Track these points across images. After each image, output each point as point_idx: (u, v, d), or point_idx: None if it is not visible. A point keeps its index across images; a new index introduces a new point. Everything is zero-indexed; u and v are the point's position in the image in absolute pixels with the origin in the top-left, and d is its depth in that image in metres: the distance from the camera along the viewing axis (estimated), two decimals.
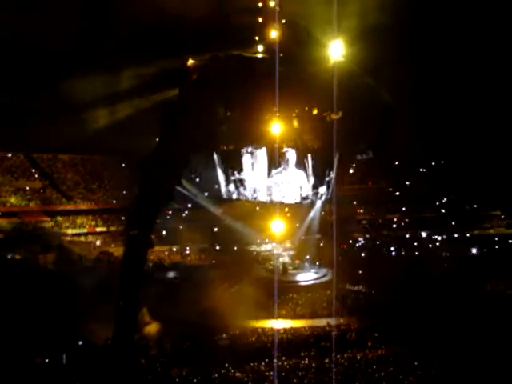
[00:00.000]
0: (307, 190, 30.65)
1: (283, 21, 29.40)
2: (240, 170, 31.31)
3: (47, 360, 23.33)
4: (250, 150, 31.06)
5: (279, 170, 29.74)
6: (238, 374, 22.75)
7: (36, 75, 28.44)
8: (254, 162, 30.24)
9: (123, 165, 42.94)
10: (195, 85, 29.96)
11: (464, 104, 32.17)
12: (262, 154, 30.64)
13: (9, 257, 35.92)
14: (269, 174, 30.67)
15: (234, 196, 32.57)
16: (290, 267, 41.57)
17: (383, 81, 29.50)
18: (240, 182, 31.87)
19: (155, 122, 31.14)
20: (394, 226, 45.74)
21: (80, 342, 25.16)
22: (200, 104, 29.72)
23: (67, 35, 27.64)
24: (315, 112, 30.26)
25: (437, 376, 21.64)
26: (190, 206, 46.10)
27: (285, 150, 30.14)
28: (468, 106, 32.15)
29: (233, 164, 31.74)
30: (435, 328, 26.57)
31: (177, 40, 28.59)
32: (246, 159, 31.07)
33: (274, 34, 29.17)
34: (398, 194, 44.27)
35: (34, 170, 44.20)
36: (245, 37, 29.27)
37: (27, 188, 43.51)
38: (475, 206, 40.78)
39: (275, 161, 30.14)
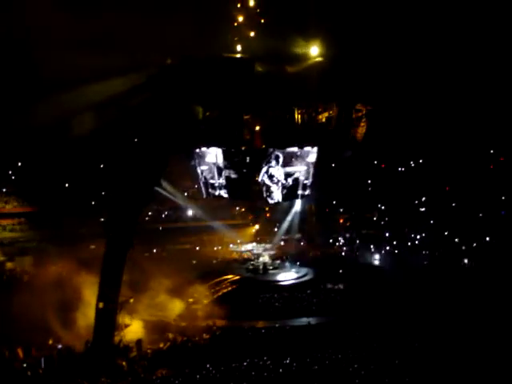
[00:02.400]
0: (288, 190, 30.69)
1: (262, 20, 29.37)
2: (220, 169, 31.21)
3: (25, 365, 23.11)
4: (229, 149, 30.96)
5: (260, 169, 29.70)
6: (219, 375, 22.68)
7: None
8: (234, 162, 30.16)
9: (102, 166, 42.54)
10: (173, 85, 29.81)
11: (443, 102, 32.39)
12: (241, 153, 30.58)
13: None
14: (249, 173, 30.62)
15: (214, 195, 32.45)
16: (271, 267, 41.59)
17: (364, 79, 29.58)
18: (220, 182, 31.78)
19: (133, 123, 30.95)
20: (374, 224, 45.99)
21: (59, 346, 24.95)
22: (178, 104, 29.61)
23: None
24: (296, 111, 30.32)
25: (418, 374, 21.76)
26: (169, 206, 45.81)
27: (265, 149, 30.11)
28: (447, 104, 32.38)
29: (213, 164, 31.63)
30: (416, 325, 26.83)
31: (154, 41, 28.36)
32: (226, 159, 30.98)
33: (253, 33, 29.13)
34: (376, 193, 44.40)
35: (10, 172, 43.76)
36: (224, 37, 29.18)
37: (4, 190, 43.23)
38: (454, 204, 41.11)
39: (256, 160, 30.10)
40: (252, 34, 29.15)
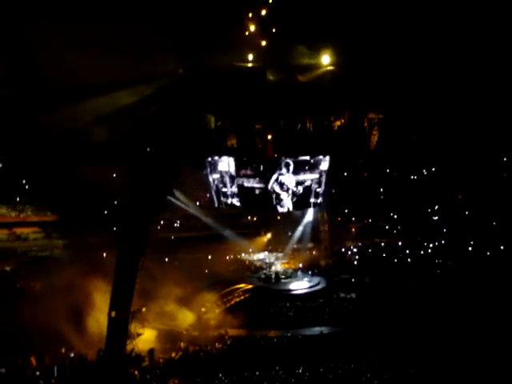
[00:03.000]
0: (299, 198, 30.67)
1: (273, 30, 29.46)
2: (232, 178, 31.26)
3: (38, 373, 23.16)
4: (241, 158, 31.03)
5: (272, 178, 29.72)
6: None
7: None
8: (246, 171, 30.22)
9: (114, 175, 42.72)
10: (185, 95, 29.95)
11: (456, 110, 32.23)
12: (254, 162, 30.63)
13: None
14: (261, 182, 30.65)
15: (227, 204, 32.50)
16: (283, 276, 41.48)
17: (376, 88, 29.55)
18: (232, 191, 31.83)
19: (145, 133, 31.10)
20: (386, 233, 45.80)
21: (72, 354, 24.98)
22: (190, 114, 29.74)
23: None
24: (307, 120, 30.36)
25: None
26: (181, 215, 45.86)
27: (277, 158, 30.14)
28: (460, 112, 32.21)
29: (225, 172, 31.69)
30: (429, 334, 26.61)
31: (166, 50, 28.50)
32: (238, 168, 31.03)
33: (264, 42, 29.22)
34: (389, 201, 44.22)
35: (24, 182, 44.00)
36: (235, 45, 29.27)
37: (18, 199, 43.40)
38: (467, 212, 40.85)
39: (268, 169, 30.13)
40: (263, 43, 29.23)
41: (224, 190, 31.77)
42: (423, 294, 33.20)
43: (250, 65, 29.72)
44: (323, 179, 30.86)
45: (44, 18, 24.83)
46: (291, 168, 29.67)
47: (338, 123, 31.07)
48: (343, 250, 46.07)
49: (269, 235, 48.31)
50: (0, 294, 31.04)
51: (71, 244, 40.13)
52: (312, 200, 31.11)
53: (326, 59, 29.07)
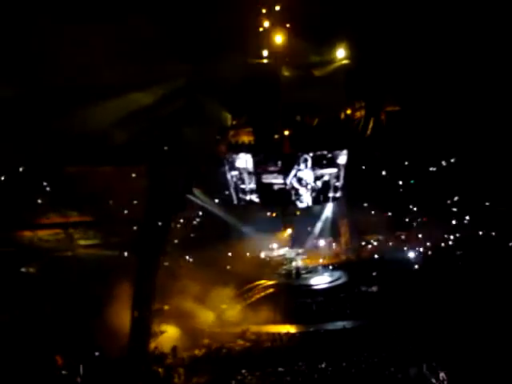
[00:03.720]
0: (318, 193, 30.63)
1: (288, 25, 29.44)
2: (250, 175, 31.30)
3: (64, 372, 23.44)
4: (259, 155, 31.07)
5: (290, 174, 29.71)
6: (255, 380, 22.71)
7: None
8: (264, 167, 30.26)
9: (133, 175, 42.98)
10: (201, 93, 30.07)
11: (472, 102, 31.93)
12: (272, 158, 30.64)
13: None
14: (280, 178, 30.65)
15: (245, 201, 32.57)
16: (303, 271, 41.44)
17: (392, 80, 29.42)
18: (250, 187, 31.87)
19: (163, 133, 31.27)
20: (406, 225, 45.48)
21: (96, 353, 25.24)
22: (206, 113, 29.84)
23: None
24: (325, 114, 30.33)
25: (455, 375, 21.43)
26: (200, 213, 45.92)
27: (295, 153, 30.14)
28: (477, 103, 31.90)
29: (243, 169, 31.74)
30: (452, 326, 26.41)
31: (180, 48, 28.61)
32: (257, 164, 31.07)
33: (279, 38, 29.21)
34: (408, 194, 43.90)
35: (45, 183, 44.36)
36: (250, 41, 29.31)
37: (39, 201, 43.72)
38: (487, 204, 40.40)
39: (286, 165, 30.14)
40: (278, 38, 29.24)
41: (242, 186, 31.83)
42: (444, 286, 32.91)
43: (264, 61, 29.76)
44: (341, 173, 30.77)
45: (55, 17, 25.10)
46: (309, 163, 29.62)
47: (355, 117, 31.00)
48: (363, 243, 45.80)
49: (289, 231, 48.18)
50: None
51: (92, 245, 40.44)
52: (331, 194, 31.06)
53: (340, 53, 29.04)
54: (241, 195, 32.43)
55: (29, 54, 26.23)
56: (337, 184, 30.90)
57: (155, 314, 27.31)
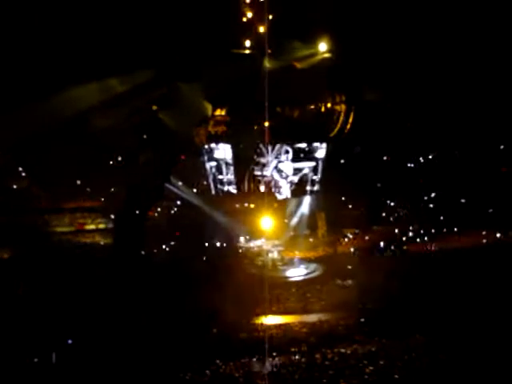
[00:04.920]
0: (297, 185, 30.69)
1: (270, 17, 29.34)
2: (228, 165, 31.24)
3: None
4: (238, 145, 30.99)
5: (270, 166, 29.72)
6: (228, 370, 22.73)
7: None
8: (243, 158, 30.22)
9: (111, 162, 42.65)
10: (181, 83, 29.88)
11: (451, 99, 32.21)
12: (250, 149, 30.58)
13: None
14: (258, 169, 30.61)
15: (223, 191, 32.51)
16: (280, 263, 41.56)
17: (372, 75, 29.52)
18: (228, 178, 31.81)
19: (143, 121, 31.01)
20: (383, 220, 45.84)
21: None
22: (186, 102, 29.66)
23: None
24: (305, 107, 30.34)
25: (429, 370, 21.68)
26: (178, 202, 45.78)
27: (274, 145, 30.12)
28: (456, 100, 32.18)
29: (221, 160, 31.66)
30: (426, 321, 26.72)
31: (163, 37, 28.38)
32: (234, 155, 31.00)
33: (262, 30, 29.12)
34: (386, 189, 44.23)
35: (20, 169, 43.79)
36: (233, 33, 29.18)
37: (14, 187, 43.14)
38: (463, 200, 40.94)
39: (264, 157, 30.12)
40: (261, 29, 29.14)
41: (220, 177, 31.76)
42: (419, 279, 33.30)
43: (247, 51, 29.66)
44: (320, 167, 30.86)
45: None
46: (289, 156, 29.65)
47: (335, 110, 31.04)
48: (340, 237, 46.08)
49: (267, 222, 48.25)
50: None
51: None
52: (309, 187, 31.14)
53: (323, 46, 29.03)
54: (219, 186, 32.37)
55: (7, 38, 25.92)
56: (316, 177, 30.99)
57: None
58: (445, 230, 41.57)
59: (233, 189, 31.74)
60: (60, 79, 28.51)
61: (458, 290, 30.66)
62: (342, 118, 30.52)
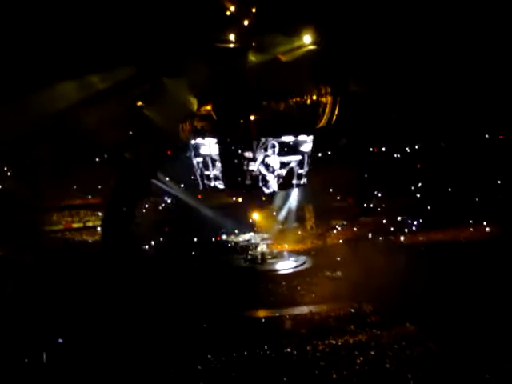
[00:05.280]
0: (284, 179, 30.68)
1: (254, 10, 29.23)
2: (214, 160, 31.17)
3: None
4: (224, 140, 30.93)
5: (255, 159, 29.65)
6: (219, 365, 22.75)
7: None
8: (228, 153, 30.13)
9: (97, 159, 42.47)
10: (165, 78, 29.79)
11: (436, 89, 32.34)
12: (236, 144, 30.54)
13: None
14: (244, 164, 30.57)
15: (210, 187, 32.44)
16: (269, 256, 41.67)
17: (357, 67, 29.54)
18: (215, 173, 31.75)
19: (129, 116, 30.85)
20: (371, 211, 46.09)
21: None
22: (171, 97, 29.54)
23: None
24: (290, 100, 30.28)
25: (419, 359, 21.82)
26: (166, 198, 45.78)
27: (260, 139, 30.07)
28: (442, 88, 32.31)
29: (207, 155, 31.59)
30: (416, 310, 26.93)
31: (146, 32, 28.23)
32: (221, 150, 30.93)
33: (245, 23, 28.98)
34: (373, 180, 44.46)
35: (5, 168, 43.51)
36: (217, 26, 29.02)
37: None
38: (449, 189, 41.23)
39: (250, 150, 30.07)
40: (245, 23, 29.01)
41: (207, 172, 31.69)
42: (408, 269, 33.53)
43: (231, 45, 29.52)
44: (307, 160, 30.85)
45: None
46: (276, 149, 29.63)
47: (320, 103, 30.98)
48: (328, 229, 46.30)
49: (255, 216, 48.36)
50: None
51: None
52: (296, 181, 31.13)
53: (307, 39, 28.96)
54: (206, 181, 32.30)
55: None
56: (303, 170, 31.00)
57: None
58: (433, 220, 41.82)
59: (219, 184, 31.66)
60: (43, 75, 28.28)
61: (447, 281, 30.96)
62: (328, 110, 30.45)
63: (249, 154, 29.66)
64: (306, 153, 30.51)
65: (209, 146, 30.40)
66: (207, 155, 30.98)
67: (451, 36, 28.84)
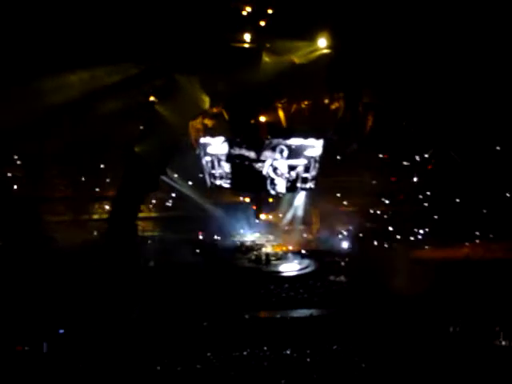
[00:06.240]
0: (292, 182, 30.70)
1: (269, 11, 29.27)
2: (223, 160, 31.24)
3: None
4: (233, 140, 30.98)
5: (263, 160, 29.71)
6: (219, 364, 22.81)
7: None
8: (239, 153, 30.20)
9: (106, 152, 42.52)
10: (178, 75, 29.84)
11: (449, 97, 32.22)
12: (247, 144, 30.57)
13: None
14: (252, 164, 30.61)
15: (218, 186, 32.50)
16: (273, 258, 41.61)
17: (372, 72, 29.51)
18: (222, 172, 31.80)
19: (139, 112, 30.93)
20: (377, 218, 45.88)
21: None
22: (184, 94, 29.61)
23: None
24: (302, 103, 30.32)
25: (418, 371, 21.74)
26: (173, 195, 45.74)
27: (269, 140, 30.11)
28: (453, 99, 32.18)
29: (216, 154, 31.65)
30: (421, 316, 26.82)
31: (162, 28, 28.31)
32: (230, 149, 30.98)
33: (261, 24, 29.04)
34: (381, 187, 44.26)
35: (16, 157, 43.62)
36: (231, 25, 29.08)
37: (9, 175, 42.97)
38: (458, 200, 40.96)
39: (259, 151, 30.12)
40: (260, 24, 29.08)
41: (213, 171, 31.77)
42: (413, 275, 33.38)
43: (246, 46, 29.58)
44: (316, 163, 30.86)
45: None
46: (285, 152, 29.66)
47: (333, 107, 31.02)
48: (334, 233, 46.12)
49: (261, 216, 48.27)
50: None
51: None
52: (304, 184, 31.14)
53: (322, 42, 28.98)
54: (213, 180, 32.37)
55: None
56: (311, 174, 31.00)
57: None
58: (440, 229, 41.58)
59: (227, 183, 31.73)
60: (55, 66, 28.41)
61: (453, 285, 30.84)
62: (339, 115, 30.55)
63: (257, 155, 29.73)
64: (316, 156, 30.52)
65: (219, 145, 30.48)
66: (215, 154, 31.07)
67: (468, 45, 28.76)
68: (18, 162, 41.05)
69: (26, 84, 28.26)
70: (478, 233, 40.06)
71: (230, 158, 31.08)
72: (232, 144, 30.77)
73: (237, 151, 30.66)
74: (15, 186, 40.66)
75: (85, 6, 26.78)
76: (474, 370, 21.10)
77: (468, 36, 28.50)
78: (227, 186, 32.15)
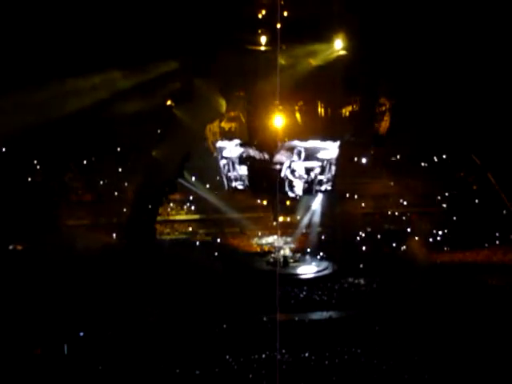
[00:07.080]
0: (309, 184, 30.64)
1: (285, 13, 29.33)
2: (240, 163, 31.28)
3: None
4: (252, 142, 31.03)
5: (284, 165, 29.68)
6: (237, 367, 22.81)
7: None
8: (256, 155, 30.24)
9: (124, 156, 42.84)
10: (196, 78, 29.98)
11: (465, 98, 31.97)
12: (263, 147, 30.60)
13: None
14: (269, 167, 30.61)
15: (235, 188, 32.56)
16: (291, 260, 41.52)
17: (388, 74, 29.42)
18: (240, 175, 31.85)
19: (157, 115, 31.11)
20: (395, 220, 45.70)
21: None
22: (201, 98, 29.75)
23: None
24: (319, 104, 30.31)
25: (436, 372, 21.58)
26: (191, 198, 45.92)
27: (287, 143, 30.11)
28: (470, 100, 31.92)
29: (233, 157, 31.72)
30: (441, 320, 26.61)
31: (177, 32, 28.49)
32: (247, 152, 31.03)
33: (277, 26, 29.09)
34: (399, 188, 44.09)
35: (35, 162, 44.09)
36: (248, 28, 29.20)
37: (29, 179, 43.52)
38: (477, 201, 40.64)
39: (278, 154, 30.11)
40: (276, 26, 29.14)
41: (229, 174, 31.85)
42: (431, 281, 33.18)
43: (262, 48, 29.66)
44: (333, 165, 30.76)
45: None
46: (302, 154, 29.60)
47: (350, 109, 30.98)
48: (352, 235, 45.96)
49: (279, 219, 48.23)
50: None
51: None
52: (321, 186, 31.05)
53: (338, 44, 28.96)
54: (230, 182, 32.43)
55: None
56: (328, 176, 30.90)
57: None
58: (460, 231, 41.30)
59: (244, 186, 31.78)
60: (73, 72, 28.71)
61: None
62: (356, 117, 30.49)
63: (274, 158, 29.73)
64: (333, 158, 30.43)
65: (236, 148, 30.57)
66: (233, 156, 31.13)
67: (489, 52, 28.55)
68: (38, 167, 41.45)
69: (45, 89, 28.59)
70: (497, 234, 39.71)
71: (246, 160, 31.13)
72: (248, 147, 30.83)
73: (253, 154, 30.69)
74: (35, 191, 40.94)
75: (105, 10, 27.08)
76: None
77: (490, 42, 28.33)
78: (241, 187, 32.18)
